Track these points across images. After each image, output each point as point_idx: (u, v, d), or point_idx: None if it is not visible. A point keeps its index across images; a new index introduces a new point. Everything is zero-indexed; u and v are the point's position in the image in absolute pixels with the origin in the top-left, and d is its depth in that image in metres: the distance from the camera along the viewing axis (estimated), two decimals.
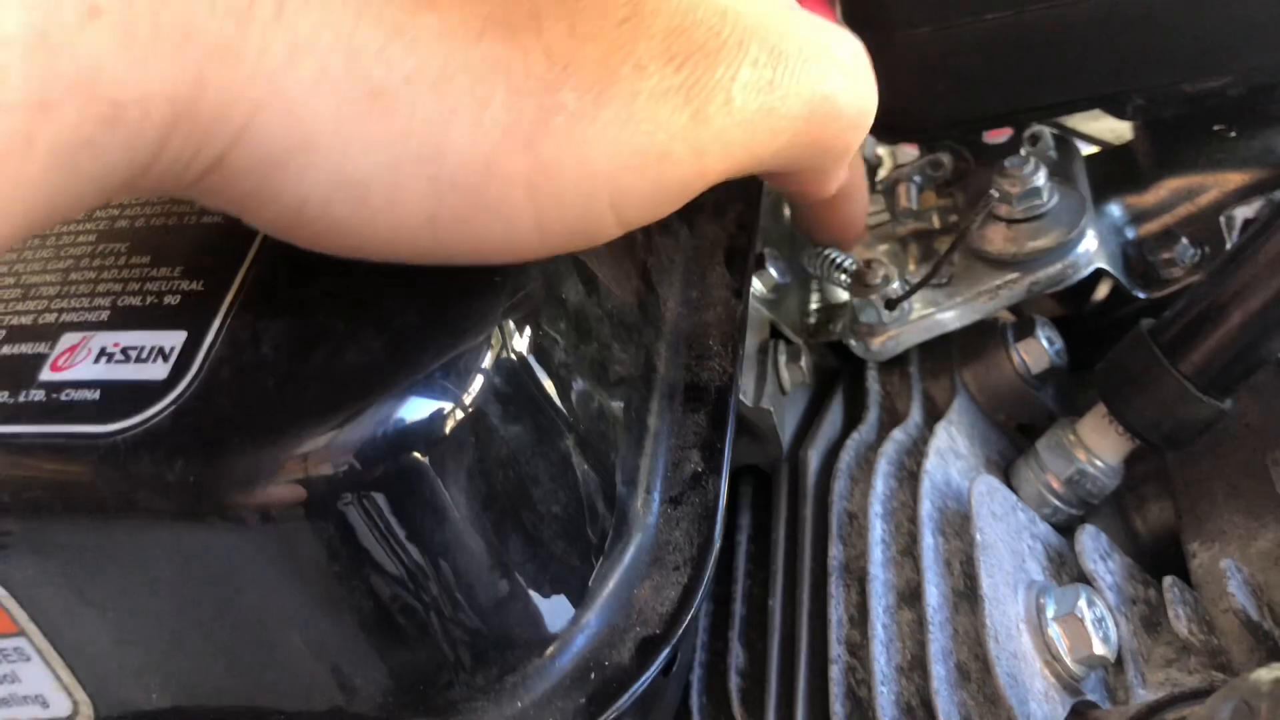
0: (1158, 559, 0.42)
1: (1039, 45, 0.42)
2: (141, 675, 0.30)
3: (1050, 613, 0.35)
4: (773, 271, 0.44)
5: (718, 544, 0.31)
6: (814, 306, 0.47)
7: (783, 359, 0.42)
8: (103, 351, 0.29)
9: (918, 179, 0.47)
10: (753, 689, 0.38)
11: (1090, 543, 0.38)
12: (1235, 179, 0.45)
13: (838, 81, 0.30)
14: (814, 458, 0.42)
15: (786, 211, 0.50)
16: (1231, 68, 0.42)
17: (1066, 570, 0.39)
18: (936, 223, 0.47)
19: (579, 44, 0.24)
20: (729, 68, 0.27)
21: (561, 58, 0.24)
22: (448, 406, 0.28)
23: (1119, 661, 0.36)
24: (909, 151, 0.52)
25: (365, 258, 0.26)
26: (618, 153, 0.25)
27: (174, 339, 0.28)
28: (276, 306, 0.29)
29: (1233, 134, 0.46)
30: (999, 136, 0.50)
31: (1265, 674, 0.24)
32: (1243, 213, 0.45)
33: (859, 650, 0.36)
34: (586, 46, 0.24)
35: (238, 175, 0.23)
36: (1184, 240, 0.44)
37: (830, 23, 0.33)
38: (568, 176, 0.25)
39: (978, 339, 0.45)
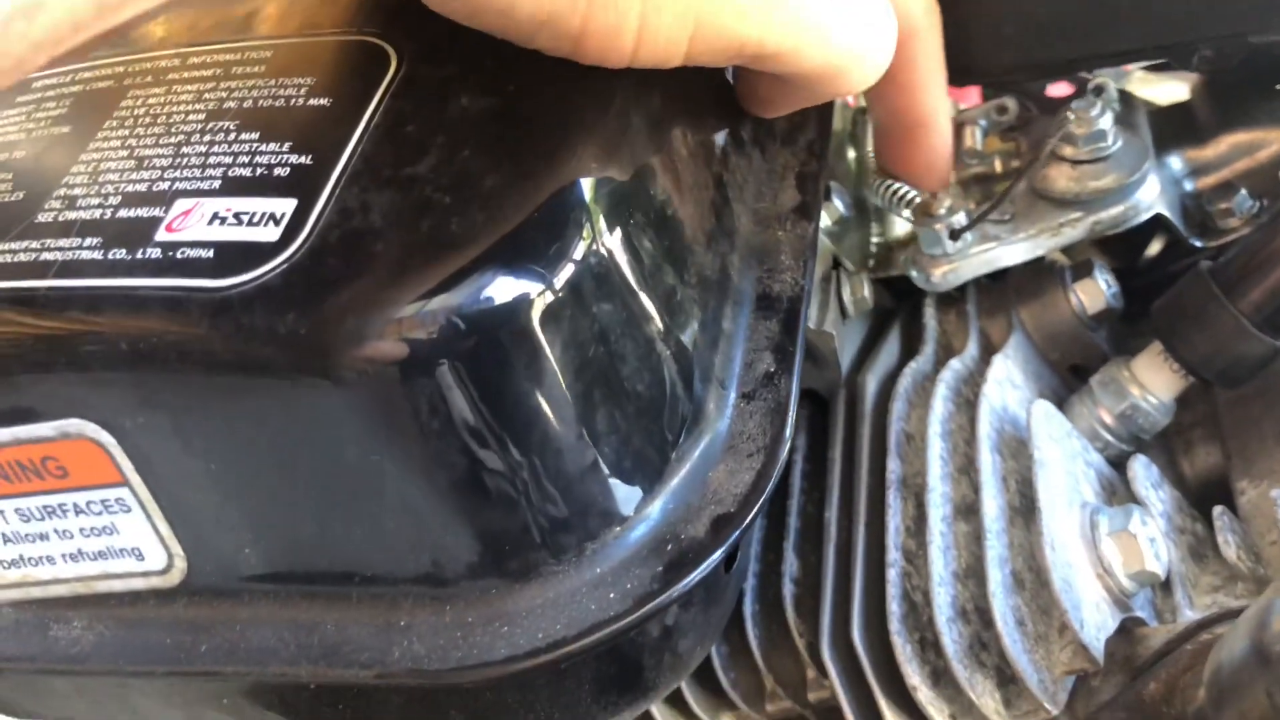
0: (1203, 502, 0.43)
1: None
2: (237, 533, 0.31)
3: (1104, 529, 0.36)
4: (838, 204, 0.45)
5: (789, 436, 0.32)
6: (874, 243, 0.48)
7: (846, 285, 0.43)
8: (215, 215, 0.30)
9: (983, 123, 0.48)
10: (806, 596, 0.39)
11: (1143, 470, 0.39)
12: None
13: (879, 29, 0.34)
14: (872, 382, 0.43)
15: (850, 153, 0.51)
16: None
17: (1117, 498, 0.40)
18: (999, 167, 0.48)
19: None
20: None
21: None
22: (538, 288, 0.29)
23: (1167, 585, 0.37)
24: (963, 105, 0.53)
25: (509, 25, 0.29)
26: None
27: (285, 205, 0.30)
28: (384, 181, 0.30)
29: None
30: (1061, 92, 0.51)
31: None
32: None
33: (915, 558, 0.37)
34: None
35: None
36: (1243, 191, 0.45)
37: None
38: None
39: (1035, 279, 0.46)
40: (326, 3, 0.37)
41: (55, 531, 0.33)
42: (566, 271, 0.29)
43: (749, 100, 0.39)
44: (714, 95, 0.39)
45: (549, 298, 0.29)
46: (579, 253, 0.30)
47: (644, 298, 0.32)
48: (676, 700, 0.42)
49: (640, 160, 0.33)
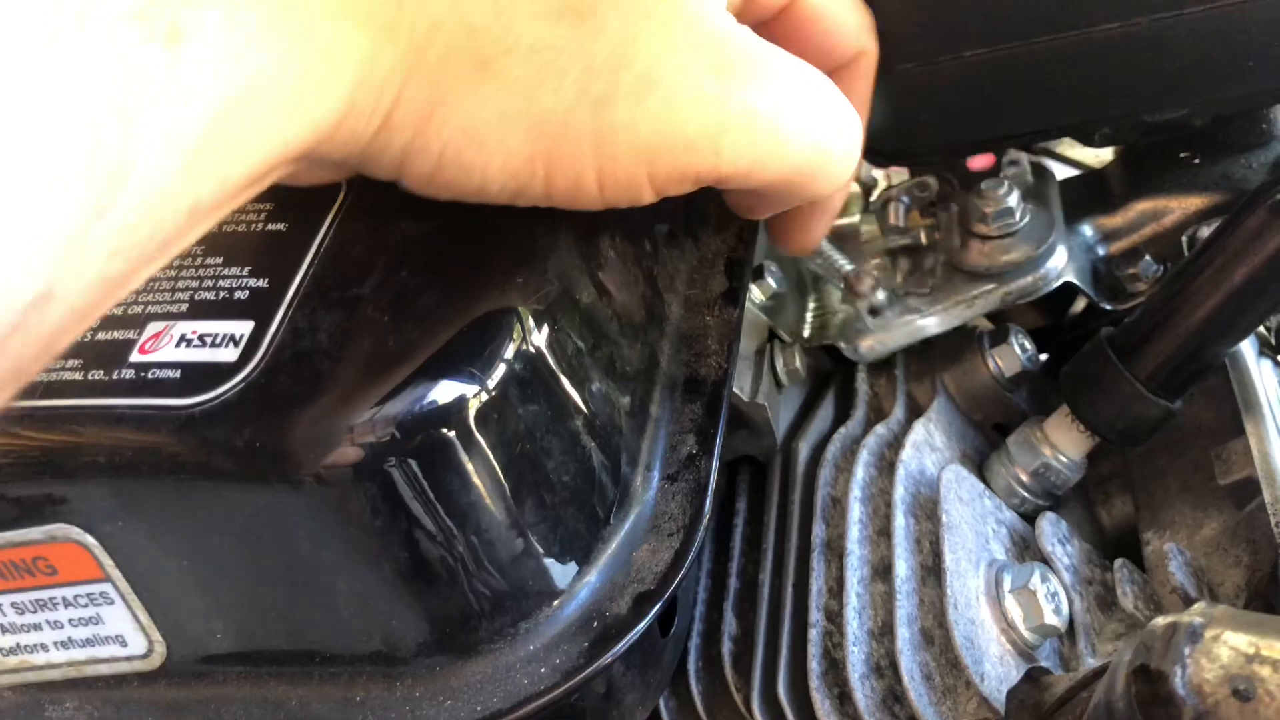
0: (1121, 550, 0.46)
1: (1012, 80, 0.46)
2: (210, 619, 0.35)
3: (1007, 586, 0.39)
4: (771, 281, 0.49)
5: (708, 514, 0.35)
6: (810, 314, 0.52)
7: (779, 358, 0.47)
8: (183, 337, 0.34)
9: (905, 199, 0.52)
10: (743, 654, 0.42)
11: (1050, 527, 0.42)
12: (1197, 202, 0.49)
13: (835, 137, 0.35)
14: (804, 449, 0.46)
15: None
16: (1188, 101, 0.46)
17: (1030, 553, 0.43)
18: (923, 239, 0.51)
19: (635, 40, 0.30)
20: (763, 94, 0.32)
21: (620, 49, 0.30)
22: (473, 390, 0.32)
23: (1073, 634, 0.41)
24: (903, 173, 0.56)
25: (487, 199, 0.32)
26: (657, 134, 0.31)
27: (243, 328, 0.33)
28: (331, 302, 0.34)
29: (1197, 161, 0.50)
30: (982, 164, 0.54)
31: (1161, 620, 0.28)
32: (1203, 233, 0.49)
33: (835, 617, 0.40)
34: (641, 42, 0.30)
35: (399, 129, 0.29)
36: (1148, 257, 0.49)
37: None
38: (621, 142, 0.31)
39: (957, 345, 0.49)
40: None
41: (47, 622, 0.36)
42: (497, 375, 0.33)
43: (736, 208, 0.42)
44: None
45: (483, 398, 0.33)
46: (508, 358, 0.33)
47: (573, 393, 0.35)
48: None
49: (566, 268, 0.36)
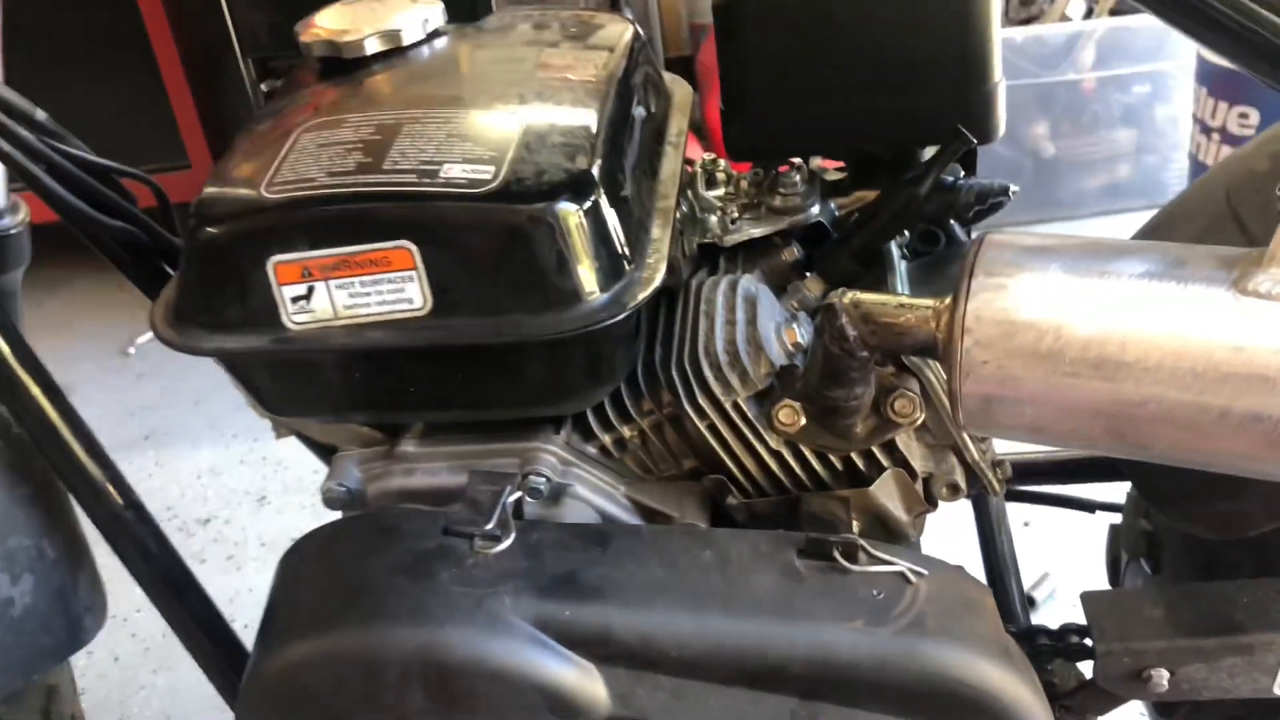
0: None
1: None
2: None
3: (785, 325, 0.90)
4: (683, 208, 1.00)
5: (664, 271, 0.85)
6: (696, 229, 1.03)
7: (687, 244, 0.97)
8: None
9: (740, 175, 1.04)
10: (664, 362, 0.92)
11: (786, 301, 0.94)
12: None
13: None
14: (694, 284, 0.97)
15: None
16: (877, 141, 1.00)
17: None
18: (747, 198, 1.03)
19: None
20: None
21: None
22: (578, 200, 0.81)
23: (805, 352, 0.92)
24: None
25: None
26: None
27: (488, 171, 0.81)
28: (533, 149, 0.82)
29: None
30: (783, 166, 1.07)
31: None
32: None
33: (710, 330, 0.90)
34: None
35: None
36: (857, 213, 1.02)
37: None
38: None
39: (767, 247, 1.01)
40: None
41: (374, 291, 0.81)
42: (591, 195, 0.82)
43: None
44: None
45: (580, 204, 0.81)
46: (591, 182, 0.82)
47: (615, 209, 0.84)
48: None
49: (611, 167, 0.86)
